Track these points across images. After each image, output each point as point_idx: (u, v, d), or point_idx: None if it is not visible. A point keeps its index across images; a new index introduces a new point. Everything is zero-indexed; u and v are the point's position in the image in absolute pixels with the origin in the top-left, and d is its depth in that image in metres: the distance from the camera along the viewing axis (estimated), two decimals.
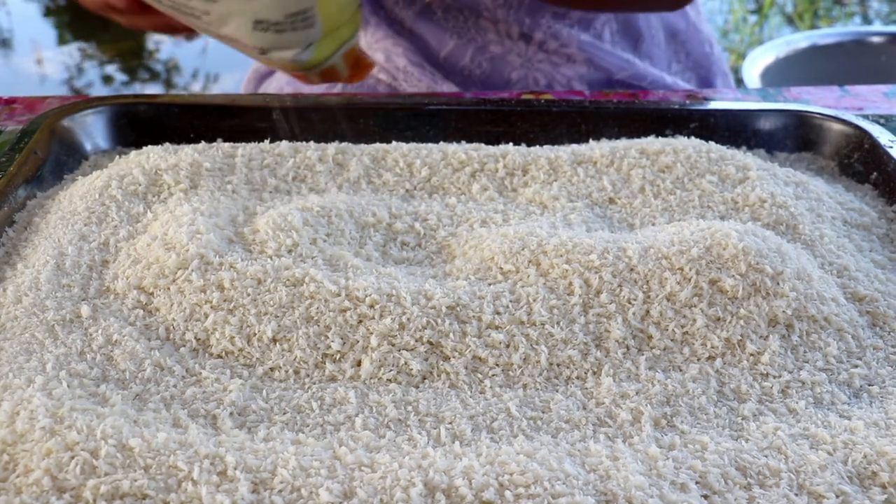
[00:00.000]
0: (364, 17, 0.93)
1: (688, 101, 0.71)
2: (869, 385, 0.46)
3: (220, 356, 0.46)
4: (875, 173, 0.64)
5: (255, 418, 0.43)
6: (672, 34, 0.97)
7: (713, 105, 0.70)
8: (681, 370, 0.46)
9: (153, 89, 2.97)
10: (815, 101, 0.80)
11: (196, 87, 2.99)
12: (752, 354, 0.47)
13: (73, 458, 0.37)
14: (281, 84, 1.00)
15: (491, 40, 0.90)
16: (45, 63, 3.06)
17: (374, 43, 0.92)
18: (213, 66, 3.08)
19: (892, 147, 0.63)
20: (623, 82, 0.92)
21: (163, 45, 3.24)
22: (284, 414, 0.43)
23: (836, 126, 0.68)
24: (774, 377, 0.46)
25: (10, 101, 0.78)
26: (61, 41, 3.24)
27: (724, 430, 0.43)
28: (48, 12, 3.56)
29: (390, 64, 0.91)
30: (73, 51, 3.16)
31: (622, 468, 0.39)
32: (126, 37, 3.28)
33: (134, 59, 3.15)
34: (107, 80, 2.98)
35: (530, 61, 0.91)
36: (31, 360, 0.44)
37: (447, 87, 0.90)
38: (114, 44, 3.22)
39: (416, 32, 0.91)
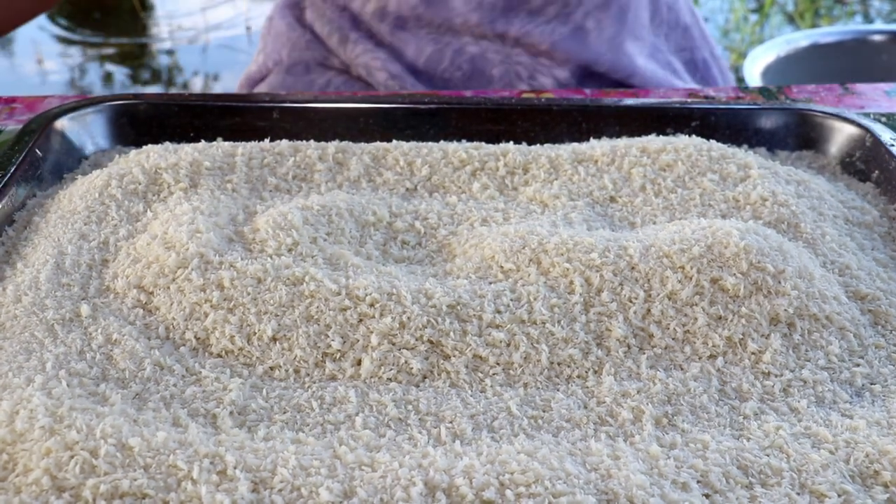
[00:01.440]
0: (344, 34, 0.93)
1: (689, 100, 0.71)
2: (871, 384, 0.46)
3: (219, 355, 0.46)
4: (877, 171, 0.64)
5: (255, 417, 0.42)
6: (654, 9, 0.97)
7: (714, 104, 0.70)
8: (682, 369, 0.46)
9: (154, 89, 2.97)
10: (817, 99, 0.80)
11: (196, 87, 2.99)
12: (753, 353, 0.47)
13: (72, 457, 0.37)
14: (273, 87, 1.00)
15: (467, 42, 0.91)
16: (46, 63, 3.06)
17: (355, 58, 0.93)
18: (213, 66, 3.08)
19: (893, 145, 0.63)
20: (604, 76, 0.92)
21: (164, 46, 3.25)
22: (284, 413, 0.43)
23: (838, 124, 0.67)
24: (776, 376, 0.46)
25: (10, 101, 0.78)
26: (63, 40, 3.24)
27: (725, 429, 0.42)
28: (49, 17, 3.56)
29: (372, 79, 0.92)
30: (73, 51, 3.16)
31: (623, 467, 0.38)
32: (127, 37, 3.28)
33: (135, 59, 3.15)
34: (107, 79, 2.98)
35: (509, 57, 0.91)
36: (30, 360, 0.44)
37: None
38: (114, 44, 3.22)
39: (394, 45, 0.92)
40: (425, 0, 0.90)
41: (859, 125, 0.66)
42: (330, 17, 0.95)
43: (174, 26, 3.39)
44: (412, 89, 0.91)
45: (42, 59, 3.06)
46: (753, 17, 3.25)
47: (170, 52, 3.16)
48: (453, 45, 0.90)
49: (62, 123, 0.65)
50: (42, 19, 3.44)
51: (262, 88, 1.04)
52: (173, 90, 2.97)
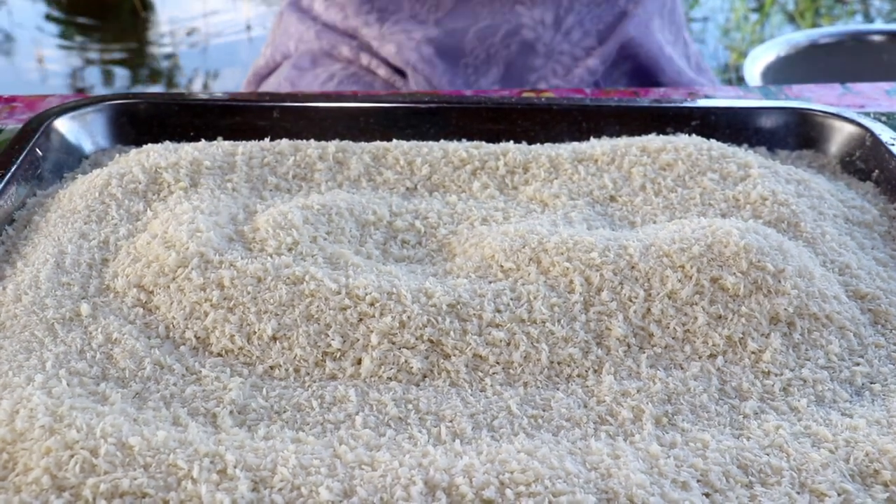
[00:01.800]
0: (382, 6, 0.93)
1: (689, 99, 0.71)
2: (871, 383, 0.46)
3: (220, 354, 0.46)
4: (877, 171, 0.64)
5: (255, 417, 0.43)
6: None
7: (714, 103, 0.70)
8: (682, 368, 0.46)
9: (154, 88, 2.97)
10: (817, 98, 0.80)
11: (197, 86, 2.99)
12: (753, 352, 0.47)
13: (72, 456, 0.37)
14: (280, 81, 1.00)
15: (524, 24, 0.91)
16: (46, 62, 3.06)
17: (389, 35, 0.92)
18: (214, 64, 3.08)
19: (893, 145, 0.63)
20: (637, 64, 0.94)
21: (164, 44, 3.25)
22: (284, 412, 0.43)
23: (838, 124, 0.67)
24: (776, 375, 0.46)
25: (11, 100, 0.78)
26: (63, 38, 3.24)
27: (725, 428, 0.42)
28: (49, 13, 3.56)
29: (399, 57, 0.92)
30: (74, 50, 3.16)
31: (623, 466, 0.38)
32: (127, 36, 3.28)
33: (135, 57, 3.15)
34: (107, 77, 2.98)
35: (552, 52, 0.92)
36: (30, 359, 0.44)
37: (448, 81, 0.91)
38: (115, 43, 3.22)
39: (443, 21, 0.91)
40: None
41: (859, 124, 0.66)
42: None
43: (175, 26, 3.39)
44: (431, 78, 0.91)
45: (42, 58, 3.06)
46: (754, 17, 3.25)
47: (170, 56, 3.16)
48: (510, 22, 0.91)
49: (62, 122, 0.64)
50: (43, 19, 3.44)
51: (269, 82, 1.04)
52: (174, 90, 2.98)
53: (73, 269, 0.51)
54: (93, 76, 3.00)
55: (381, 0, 0.93)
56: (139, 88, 2.95)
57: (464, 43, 0.92)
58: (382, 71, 0.95)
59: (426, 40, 0.91)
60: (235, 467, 0.37)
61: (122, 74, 3.04)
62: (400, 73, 0.95)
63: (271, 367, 0.45)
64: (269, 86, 1.04)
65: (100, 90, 2.91)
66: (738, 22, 3.19)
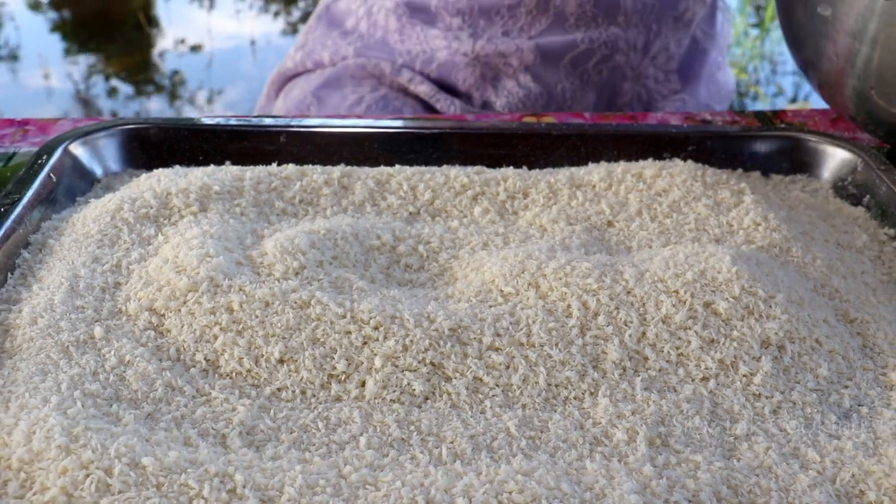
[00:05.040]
0: (475, 24, 0.94)
1: (685, 125, 0.73)
2: (859, 405, 0.47)
3: (228, 377, 0.48)
4: (868, 196, 0.65)
5: (263, 437, 0.44)
6: None
7: (710, 128, 0.72)
8: (675, 391, 0.47)
9: (158, 103, 2.99)
10: (811, 123, 0.82)
11: (200, 100, 3.01)
12: (744, 375, 0.48)
13: (87, 476, 0.39)
14: (306, 95, 1.01)
15: (619, 48, 0.93)
16: (51, 76, 3.08)
17: (439, 47, 0.93)
18: (218, 80, 3.11)
19: (884, 171, 0.64)
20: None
21: (168, 59, 3.27)
22: (291, 433, 0.44)
23: (830, 149, 0.69)
24: (766, 398, 0.47)
25: (24, 123, 0.80)
26: (68, 54, 3.27)
27: (716, 449, 0.44)
28: (55, 27, 3.59)
29: (451, 76, 0.93)
30: (80, 65, 3.19)
31: (617, 487, 0.40)
32: (132, 51, 3.31)
33: (140, 73, 3.18)
34: (111, 93, 3.01)
35: (640, 75, 0.94)
36: (46, 380, 0.45)
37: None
38: (120, 58, 3.25)
39: (533, 39, 0.93)
40: None
41: (851, 150, 0.68)
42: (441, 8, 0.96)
43: (179, 41, 3.42)
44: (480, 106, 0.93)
45: (49, 74, 3.09)
46: (754, 32, 3.27)
47: (175, 72, 3.19)
48: (604, 49, 0.93)
49: (75, 147, 0.66)
50: (49, 34, 3.47)
51: (295, 86, 1.04)
52: (178, 104, 3.00)
53: (86, 293, 0.52)
54: (98, 90, 3.03)
55: (475, 16, 0.94)
56: (143, 102, 2.97)
57: (557, 69, 0.94)
58: (424, 87, 0.95)
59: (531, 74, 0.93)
60: (244, 487, 0.39)
61: (126, 90, 3.07)
62: (446, 89, 0.96)
63: (278, 389, 0.47)
64: (296, 90, 1.04)
65: (104, 104, 2.93)
66: (738, 37, 3.21)
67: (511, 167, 0.67)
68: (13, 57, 3.29)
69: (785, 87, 3.00)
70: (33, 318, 0.50)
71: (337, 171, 0.65)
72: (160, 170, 0.65)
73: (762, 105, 2.93)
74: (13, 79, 3.11)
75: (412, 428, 0.45)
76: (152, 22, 3.57)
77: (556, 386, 0.48)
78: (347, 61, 0.99)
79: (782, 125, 0.81)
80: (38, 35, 3.47)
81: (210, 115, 2.87)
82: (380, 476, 0.41)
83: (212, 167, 0.64)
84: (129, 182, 0.65)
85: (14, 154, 0.74)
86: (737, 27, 3.23)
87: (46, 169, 0.62)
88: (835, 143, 0.69)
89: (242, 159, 0.68)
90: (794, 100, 2.90)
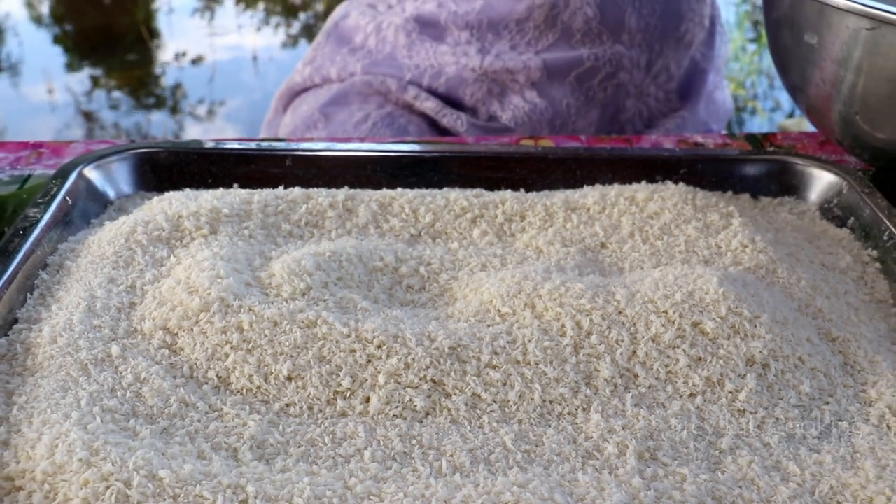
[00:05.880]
0: (484, 46, 0.97)
1: (677, 149, 0.75)
2: (839, 421, 0.50)
3: (239, 393, 0.50)
4: (852, 218, 0.68)
5: (273, 451, 0.46)
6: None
7: (701, 152, 0.74)
8: (664, 407, 0.50)
9: (160, 116, 3.02)
10: (799, 146, 0.84)
11: (201, 113, 3.04)
12: (730, 392, 0.50)
13: (108, 487, 0.41)
14: (313, 111, 1.03)
15: (623, 66, 0.96)
16: (54, 88, 3.11)
17: (454, 59, 0.96)
18: (219, 93, 3.14)
19: (867, 193, 0.67)
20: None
21: (169, 72, 3.30)
22: (299, 447, 0.47)
23: (817, 172, 0.72)
24: (751, 413, 0.49)
25: (38, 146, 0.82)
26: (71, 68, 3.30)
27: (702, 462, 0.46)
28: (57, 40, 3.62)
29: (463, 94, 0.95)
30: (82, 78, 3.22)
31: (607, 498, 0.42)
32: (134, 64, 3.34)
33: (142, 86, 3.21)
34: (113, 106, 3.03)
35: (642, 93, 0.97)
36: (66, 397, 0.48)
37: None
38: (121, 71, 3.28)
39: (545, 62, 0.96)
40: (601, 12, 0.95)
41: (837, 173, 0.70)
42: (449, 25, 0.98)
43: (181, 53, 3.45)
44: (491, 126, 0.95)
45: (53, 88, 3.11)
46: (752, 47, 3.30)
47: (176, 85, 3.21)
48: (608, 68, 0.96)
49: (89, 171, 0.69)
50: (52, 46, 3.50)
51: (303, 101, 1.06)
52: (179, 116, 3.02)
53: (103, 313, 0.55)
54: (100, 104, 3.05)
55: (483, 30, 0.96)
56: (144, 115, 2.99)
57: (559, 83, 0.96)
58: (430, 104, 0.98)
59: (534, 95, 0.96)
60: (256, 498, 0.41)
61: (128, 102, 3.09)
62: (452, 103, 0.98)
63: (287, 405, 0.49)
64: (304, 106, 1.06)
65: (107, 116, 2.96)
66: (736, 53, 3.24)
67: (509, 190, 0.70)
68: (14, 70, 3.32)
69: (782, 102, 3.03)
70: (53, 337, 0.52)
71: (341, 194, 0.67)
72: (171, 193, 0.67)
73: (760, 119, 2.96)
74: (16, 94, 3.14)
75: (414, 442, 0.47)
76: (154, 35, 3.60)
77: (551, 402, 0.50)
78: (355, 78, 1.01)
79: (772, 148, 0.84)
80: (39, 48, 3.50)
81: (214, 130, 2.90)
82: (383, 488, 0.43)
83: (221, 190, 0.67)
84: (141, 204, 0.68)
85: (29, 176, 0.77)
86: (735, 42, 3.26)
87: (62, 192, 0.65)
88: (821, 166, 0.72)
89: (250, 182, 0.70)
90: (791, 115, 2.93)
